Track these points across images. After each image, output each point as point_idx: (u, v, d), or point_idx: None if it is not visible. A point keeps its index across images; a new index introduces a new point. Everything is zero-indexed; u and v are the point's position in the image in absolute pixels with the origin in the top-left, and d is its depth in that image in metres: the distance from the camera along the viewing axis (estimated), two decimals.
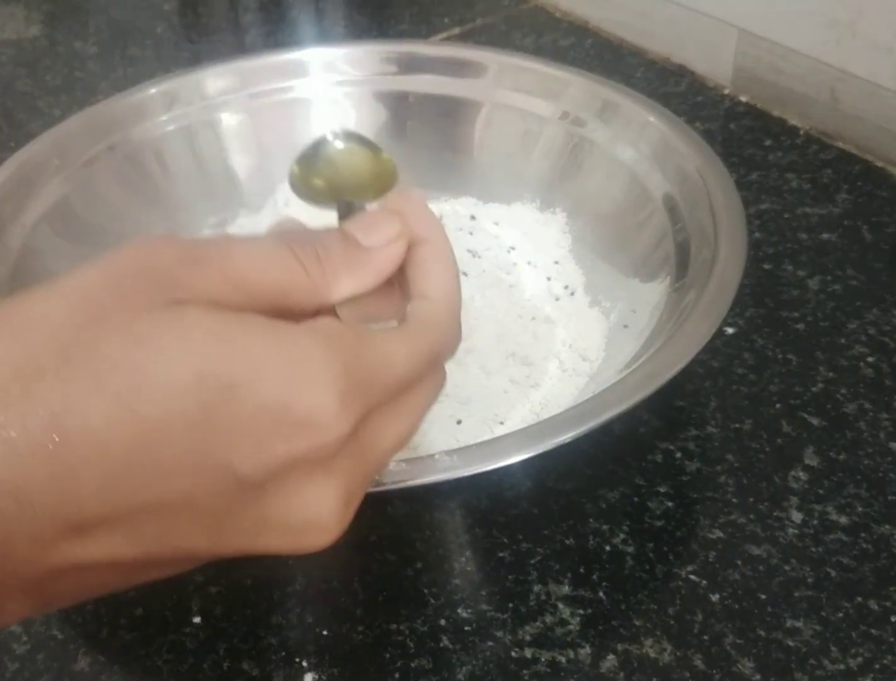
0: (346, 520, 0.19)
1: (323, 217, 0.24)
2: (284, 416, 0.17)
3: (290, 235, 0.20)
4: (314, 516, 0.18)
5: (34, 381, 0.16)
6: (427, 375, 0.20)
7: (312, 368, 0.17)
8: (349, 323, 0.20)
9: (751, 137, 0.53)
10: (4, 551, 0.15)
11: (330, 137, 0.27)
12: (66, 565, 0.16)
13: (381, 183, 0.28)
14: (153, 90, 0.46)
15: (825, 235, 0.45)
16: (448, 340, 0.21)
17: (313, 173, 0.26)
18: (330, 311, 0.20)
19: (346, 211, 0.25)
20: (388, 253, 0.20)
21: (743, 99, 0.57)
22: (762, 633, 0.29)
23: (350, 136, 0.27)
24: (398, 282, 0.22)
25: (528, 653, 0.29)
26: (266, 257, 0.19)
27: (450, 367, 0.36)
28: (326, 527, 0.18)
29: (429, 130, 0.47)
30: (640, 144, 0.41)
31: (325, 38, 0.68)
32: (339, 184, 0.28)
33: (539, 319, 0.40)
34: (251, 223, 0.45)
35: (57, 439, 0.15)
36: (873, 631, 0.29)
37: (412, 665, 0.29)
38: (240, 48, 0.67)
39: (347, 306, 0.20)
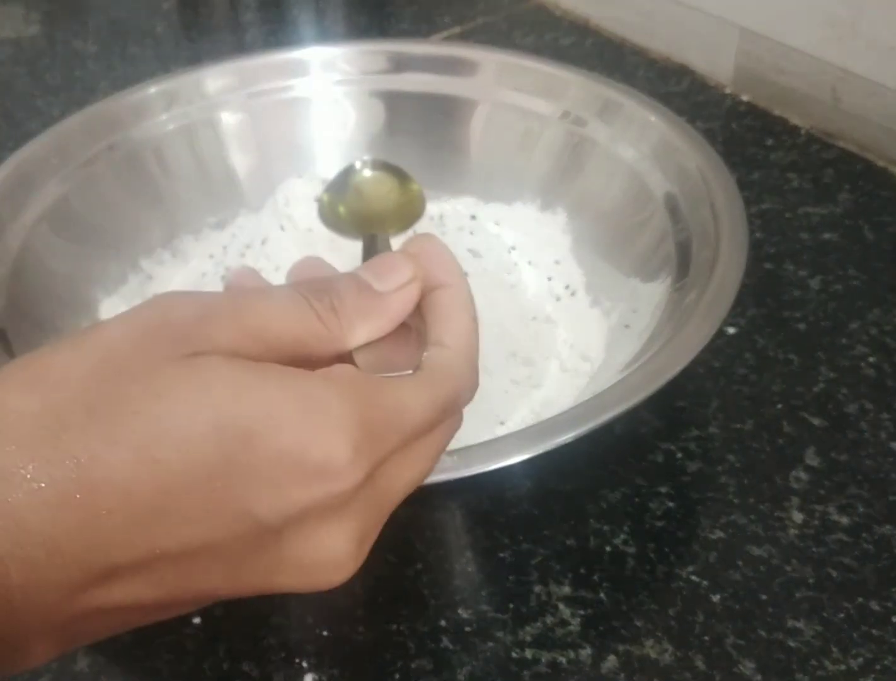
0: (360, 559, 0.19)
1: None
2: (301, 463, 0.17)
3: (304, 286, 0.20)
4: (328, 556, 0.18)
5: (60, 433, 0.16)
6: (443, 422, 0.20)
7: (328, 417, 0.17)
8: (366, 370, 0.20)
9: (752, 137, 0.53)
10: (36, 599, 0.16)
11: (358, 166, 0.26)
12: (91, 610, 0.17)
13: (408, 212, 0.28)
14: (153, 89, 0.45)
15: (826, 235, 0.45)
16: (465, 388, 0.21)
17: (340, 202, 0.26)
18: (347, 358, 0.20)
19: (371, 244, 0.25)
20: (400, 297, 0.20)
21: (744, 98, 0.56)
22: (763, 633, 0.29)
23: (379, 165, 0.27)
24: (417, 327, 0.22)
25: (528, 654, 0.29)
26: (283, 309, 0.19)
27: None
28: (341, 566, 0.19)
29: (429, 130, 0.47)
30: (641, 144, 0.41)
31: (325, 37, 0.68)
32: (365, 213, 0.27)
33: (540, 319, 0.40)
34: (251, 222, 0.45)
35: (83, 489, 0.16)
36: (874, 632, 0.29)
37: (412, 666, 0.29)
38: (240, 47, 0.67)
39: (364, 353, 0.20)
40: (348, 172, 0.26)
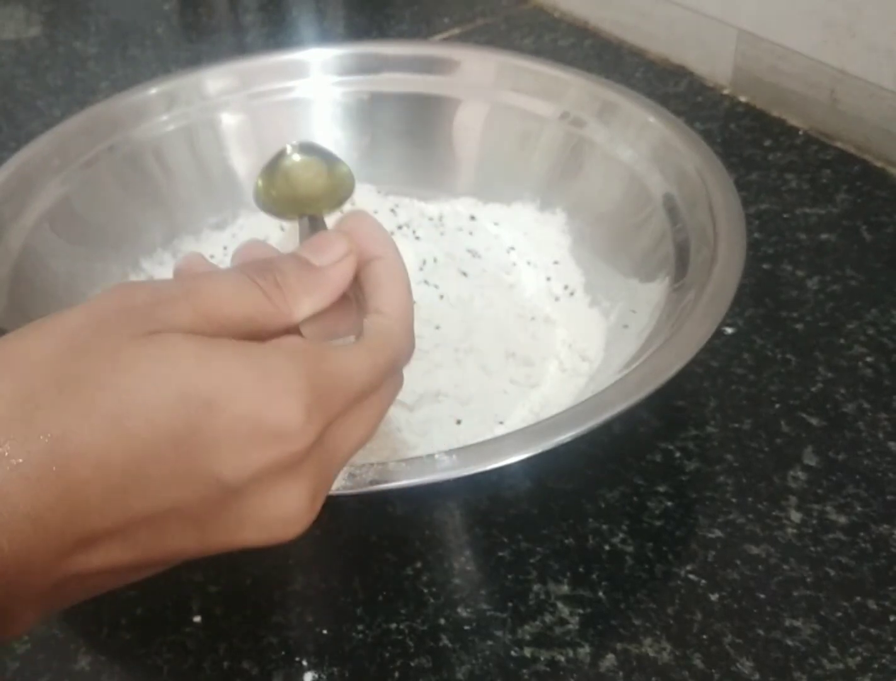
0: (313, 514, 0.21)
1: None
2: (259, 427, 0.19)
3: (250, 267, 0.22)
4: (285, 513, 0.20)
5: (33, 411, 0.17)
6: (385, 383, 0.22)
7: (281, 383, 0.19)
8: (312, 340, 0.22)
9: (750, 138, 0.53)
10: (25, 568, 0.17)
11: (289, 150, 0.27)
12: (72, 575, 0.18)
13: (337, 194, 0.29)
14: (153, 90, 0.46)
15: (824, 235, 0.46)
16: (402, 351, 0.23)
17: (272, 186, 0.27)
18: (295, 330, 0.22)
19: (308, 224, 0.26)
20: (338, 270, 0.22)
21: (742, 99, 0.57)
22: (761, 632, 0.29)
23: (308, 149, 0.28)
24: (356, 297, 0.24)
25: (527, 652, 0.29)
26: (231, 290, 0.21)
27: (450, 366, 0.37)
28: (296, 521, 0.20)
29: (429, 130, 0.47)
30: (639, 145, 0.41)
31: (325, 38, 0.68)
32: (295, 196, 0.28)
33: (539, 319, 0.40)
34: (251, 223, 0.45)
35: (59, 463, 0.17)
36: (872, 630, 0.29)
37: (412, 664, 0.29)
38: (240, 48, 0.67)
39: (309, 324, 0.22)
40: (279, 157, 0.27)
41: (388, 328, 0.22)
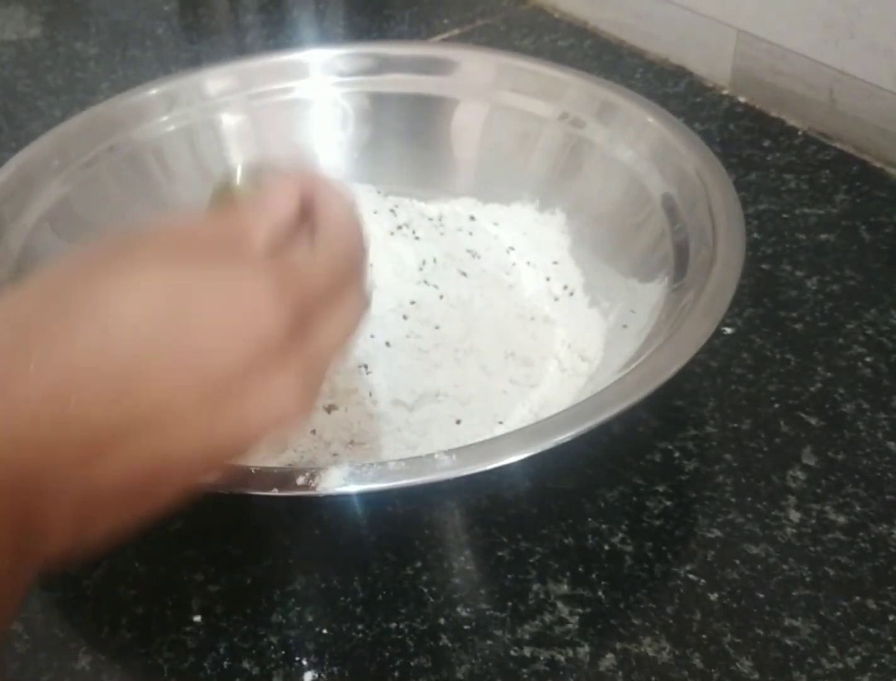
0: (308, 404, 0.22)
1: None
2: (237, 315, 0.20)
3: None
4: (281, 401, 0.21)
5: (29, 339, 0.19)
6: (349, 283, 0.24)
7: (250, 279, 0.21)
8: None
9: (749, 138, 0.53)
10: (52, 475, 0.18)
11: (238, 171, 0.27)
12: (90, 493, 0.19)
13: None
14: (154, 91, 0.46)
15: (823, 236, 0.46)
16: (354, 242, 0.25)
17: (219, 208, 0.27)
18: None
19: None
20: (284, 188, 0.24)
21: (741, 99, 0.57)
22: (760, 632, 0.29)
23: (257, 169, 0.28)
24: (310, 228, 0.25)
25: (527, 652, 0.29)
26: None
27: (450, 367, 0.37)
28: (292, 409, 0.22)
29: (429, 131, 0.47)
30: (639, 145, 0.41)
31: (324, 39, 0.68)
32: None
33: (538, 320, 0.40)
34: None
35: (58, 378, 0.18)
36: (871, 630, 0.29)
37: (411, 664, 0.29)
38: (240, 49, 0.68)
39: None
40: (226, 179, 0.27)
41: (336, 228, 0.24)
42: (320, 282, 0.23)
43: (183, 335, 0.20)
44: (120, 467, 0.19)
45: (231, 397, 0.20)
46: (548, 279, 0.42)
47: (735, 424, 0.36)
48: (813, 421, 0.36)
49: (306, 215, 0.24)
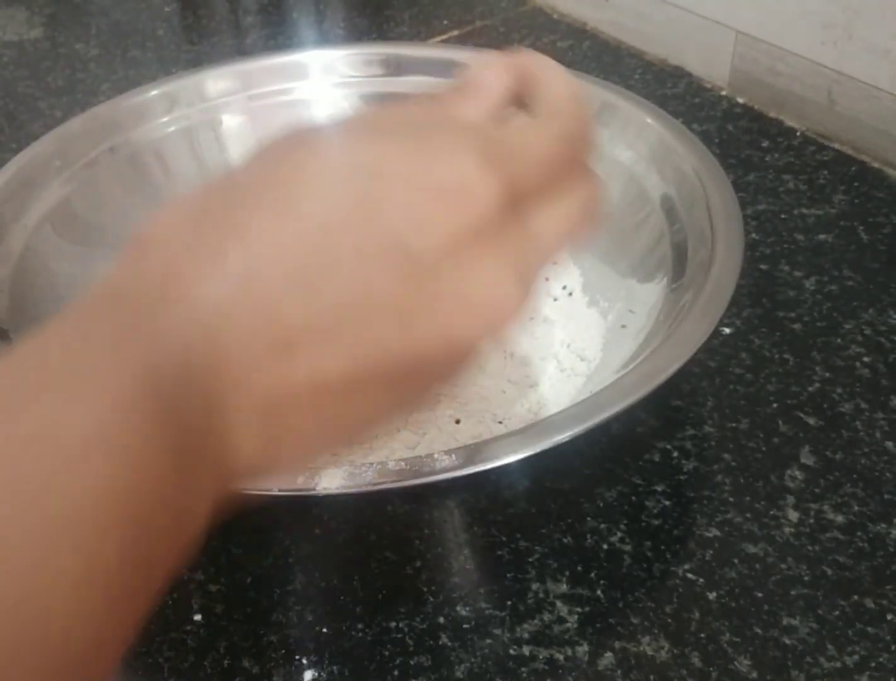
0: (521, 299, 0.19)
1: None
2: (435, 187, 0.18)
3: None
4: (490, 292, 0.18)
5: (207, 229, 0.17)
6: (572, 168, 0.21)
7: (451, 150, 0.18)
8: None
9: (748, 139, 0.53)
10: (238, 364, 0.16)
11: None
12: (279, 389, 0.17)
13: None
14: (154, 92, 0.46)
15: (822, 236, 0.46)
16: (577, 120, 0.21)
17: None
18: None
19: None
20: (491, 63, 0.21)
21: (740, 100, 0.57)
22: (759, 631, 0.29)
23: None
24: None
25: (526, 651, 0.29)
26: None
27: None
28: (503, 302, 0.19)
29: None
30: (637, 145, 0.41)
31: (324, 40, 0.68)
32: None
33: (537, 319, 0.40)
34: None
35: (243, 266, 0.17)
36: (869, 629, 0.29)
37: (411, 663, 0.29)
38: (240, 50, 0.68)
39: None
40: None
41: (556, 102, 0.21)
42: (538, 160, 0.19)
43: (374, 209, 0.17)
44: (313, 366, 0.17)
45: (434, 286, 0.18)
46: (546, 279, 0.42)
47: (733, 424, 0.36)
48: (811, 421, 0.36)
49: (521, 100, 0.21)
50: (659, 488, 0.34)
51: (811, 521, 0.33)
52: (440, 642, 0.30)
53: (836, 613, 0.30)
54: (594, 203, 0.21)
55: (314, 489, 0.26)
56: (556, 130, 0.20)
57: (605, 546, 0.32)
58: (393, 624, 0.30)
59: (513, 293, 0.19)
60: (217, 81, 0.47)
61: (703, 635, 0.29)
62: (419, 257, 0.17)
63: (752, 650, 0.29)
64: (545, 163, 0.20)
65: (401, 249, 0.17)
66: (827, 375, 0.38)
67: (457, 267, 0.18)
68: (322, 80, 0.48)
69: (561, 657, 0.29)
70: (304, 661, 0.29)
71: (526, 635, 0.30)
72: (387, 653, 0.29)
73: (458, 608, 0.31)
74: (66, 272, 0.40)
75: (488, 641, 0.30)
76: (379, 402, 0.19)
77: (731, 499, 0.34)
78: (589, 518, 0.33)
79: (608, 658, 0.29)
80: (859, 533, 0.32)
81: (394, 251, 0.17)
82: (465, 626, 0.30)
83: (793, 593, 0.31)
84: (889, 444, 0.35)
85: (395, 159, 0.18)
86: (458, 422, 0.35)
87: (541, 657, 0.29)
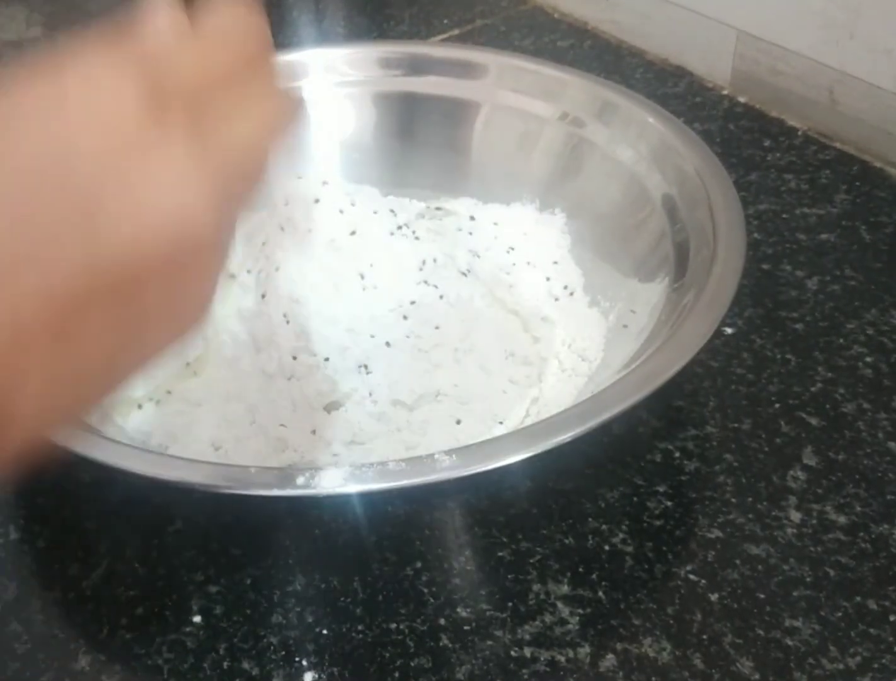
0: (214, 196, 0.19)
1: None
2: (84, 110, 0.18)
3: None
4: (170, 190, 0.18)
5: None
6: (253, 77, 0.22)
7: (97, 70, 0.19)
8: None
9: (749, 138, 0.53)
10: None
11: None
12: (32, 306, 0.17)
13: None
14: None
15: (824, 236, 0.46)
16: (245, 30, 0.22)
17: None
18: None
19: None
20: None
21: (741, 100, 0.57)
22: (761, 632, 0.29)
23: None
24: None
25: (527, 652, 0.29)
26: None
27: (449, 366, 0.37)
28: (191, 198, 0.18)
29: (429, 131, 0.47)
30: (639, 145, 0.41)
31: (325, 39, 0.68)
32: None
33: (538, 320, 0.40)
34: (250, 223, 0.45)
35: None
36: (872, 630, 0.29)
37: (412, 664, 0.29)
38: None
39: None
40: None
41: (220, 18, 0.22)
42: (202, 64, 0.20)
43: (28, 143, 0.17)
44: (21, 292, 0.17)
45: (104, 190, 0.18)
46: (548, 279, 0.42)
47: (735, 425, 0.36)
48: (813, 421, 0.36)
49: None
50: (661, 489, 0.34)
51: (813, 522, 0.33)
52: (441, 644, 0.30)
53: (839, 614, 0.30)
54: (284, 116, 0.22)
55: (314, 489, 0.26)
56: (221, 39, 0.21)
57: (606, 547, 0.32)
58: (393, 625, 0.30)
59: (200, 192, 0.18)
60: None
61: (705, 637, 0.29)
62: (79, 167, 0.17)
63: (754, 652, 0.29)
64: (214, 68, 0.20)
65: (60, 165, 0.17)
66: (829, 375, 0.38)
67: (124, 170, 0.18)
68: (322, 79, 0.48)
69: (562, 659, 0.29)
70: (304, 663, 0.29)
71: (527, 637, 0.30)
72: (387, 655, 0.29)
73: (458, 610, 0.30)
74: None
75: (489, 642, 0.29)
76: (108, 324, 0.18)
77: (733, 500, 0.33)
78: (590, 519, 0.33)
79: (610, 660, 0.29)
80: (862, 534, 0.32)
81: (54, 168, 0.17)
82: (465, 627, 0.30)
83: (795, 594, 0.30)
84: (892, 444, 0.35)
85: (49, 98, 0.18)
86: (458, 422, 0.35)
87: (542, 659, 0.29)
